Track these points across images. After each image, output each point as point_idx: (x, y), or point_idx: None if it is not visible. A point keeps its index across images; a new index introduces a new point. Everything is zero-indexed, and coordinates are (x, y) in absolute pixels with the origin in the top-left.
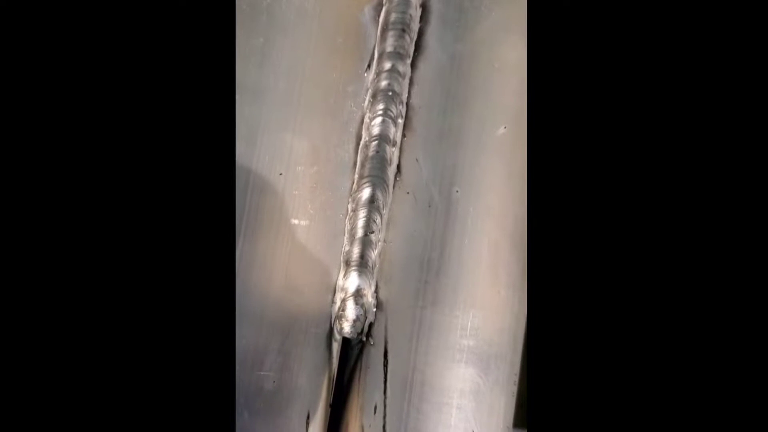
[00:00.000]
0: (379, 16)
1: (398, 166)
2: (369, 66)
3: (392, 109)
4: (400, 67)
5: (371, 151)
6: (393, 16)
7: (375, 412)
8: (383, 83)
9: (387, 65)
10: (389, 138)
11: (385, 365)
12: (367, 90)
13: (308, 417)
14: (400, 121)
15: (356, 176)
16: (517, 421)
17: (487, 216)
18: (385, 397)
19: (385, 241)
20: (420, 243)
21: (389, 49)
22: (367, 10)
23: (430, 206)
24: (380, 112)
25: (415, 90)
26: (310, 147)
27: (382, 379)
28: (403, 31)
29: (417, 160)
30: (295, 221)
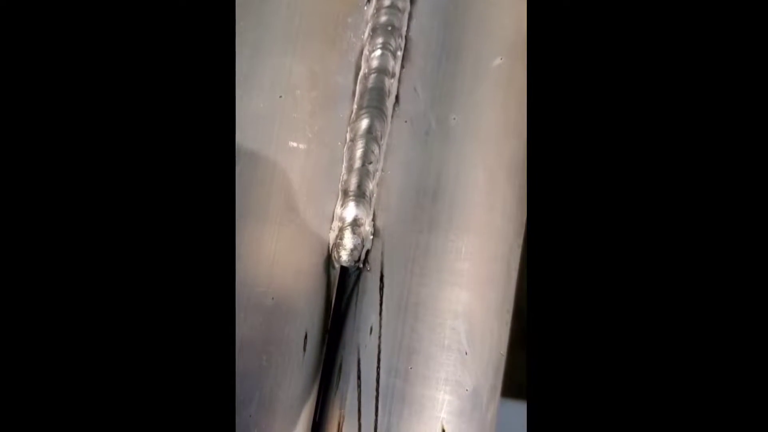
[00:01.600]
0: None
1: (396, 96)
2: (369, 0)
3: (391, 43)
4: (399, 3)
5: (370, 83)
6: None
7: (371, 332)
8: (383, 18)
9: (386, 1)
10: (388, 70)
11: (381, 289)
12: (367, 23)
13: (306, 337)
14: (399, 53)
15: (355, 106)
16: (510, 353)
17: (483, 144)
18: (380, 318)
19: (382, 170)
20: (417, 170)
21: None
22: None
23: (427, 134)
24: (380, 46)
25: (413, 23)
26: (309, 72)
27: (378, 302)
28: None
29: (415, 89)
30: (294, 144)
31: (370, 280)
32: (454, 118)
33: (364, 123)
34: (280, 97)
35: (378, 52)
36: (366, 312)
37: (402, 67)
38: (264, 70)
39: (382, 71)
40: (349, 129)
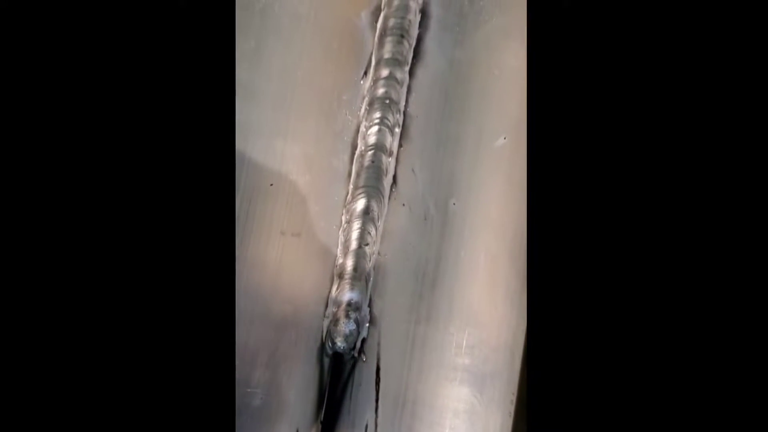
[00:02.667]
0: (376, 21)
1: (394, 177)
2: (365, 73)
3: (389, 118)
4: (398, 75)
5: (367, 161)
6: (392, 21)
7: (366, 430)
8: (380, 91)
9: (384, 72)
10: (385, 147)
11: (377, 383)
12: (363, 97)
13: None
14: (397, 130)
15: (351, 186)
16: None
17: (484, 228)
18: (376, 416)
19: (379, 253)
20: (415, 256)
21: (387, 55)
22: (364, 15)
23: (425, 219)
24: (377, 121)
25: (412, 98)
26: (303, 155)
27: (374, 397)
28: (402, 36)
29: (413, 170)
30: (287, 233)
31: (366, 372)
32: (454, 203)
33: (361, 203)
34: (271, 185)
35: (375, 128)
36: (362, 407)
37: (400, 145)
38: (254, 153)
39: (379, 148)
40: (344, 211)
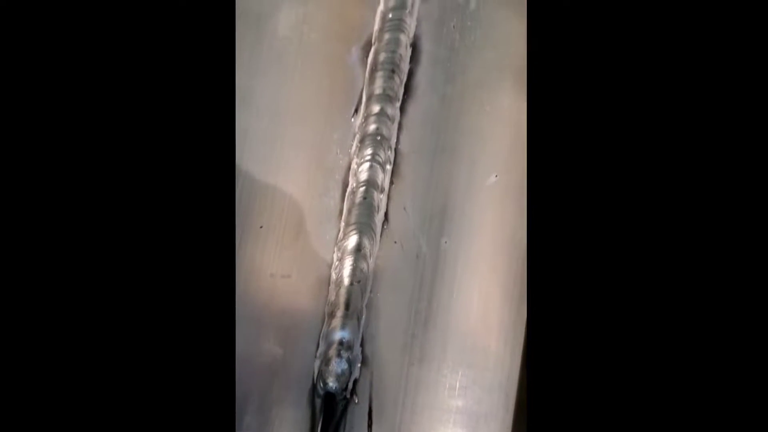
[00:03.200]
0: (367, 56)
1: (386, 214)
2: (356, 110)
3: (380, 154)
4: (389, 111)
5: (358, 198)
6: (382, 56)
7: None
8: (371, 127)
9: (375, 108)
10: (377, 184)
11: (370, 425)
12: (355, 135)
13: None
14: (389, 167)
15: (342, 224)
16: None
17: (477, 267)
18: None
19: (371, 292)
20: (407, 295)
21: (378, 91)
22: (355, 51)
23: (418, 257)
24: (368, 158)
25: (404, 135)
26: (294, 194)
27: None
28: (393, 72)
29: (405, 208)
30: (276, 275)
31: (358, 415)
32: (446, 241)
33: (353, 240)
34: (261, 227)
35: (366, 165)
36: None
37: (391, 182)
38: (244, 194)
39: (371, 185)
40: (336, 248)
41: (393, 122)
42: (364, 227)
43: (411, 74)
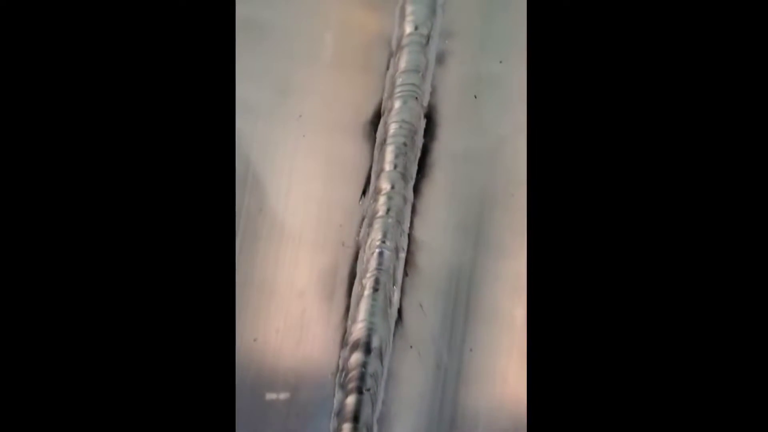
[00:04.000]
0: (375, 130)
1: (399, 311)
2: (364, 192)
3: (392, 240)
4: (402, 189)
5: (367, 289)
6: (392, 128)
7: None
8: (381, 207)
9: (386, 186)
10: (388, 273)
11: None
12: (363, 219)
13: None
14: (402, 255)
15: (348, 322)
16: None
17: (505, 380)
18: None
19: (383, 403)
20: (427, 409)
21: (388, 167)
22: (362, 125)
23: (438, 367)
24: (378, 242)
25: (419, 220)
26: (293, 296)
27: None
28: (405, 145)
29: (421, 306)
30: (273, 395)
31: None
32: (471, 350)
33: (361, 339)
34: (255, 339)
35: (376, 251)
36: None
37: (405, 274)
38: (239, 302)
39: (381, 274)
40: (341, 351)
41: (406, 203)
42: (374, 325)
43: (426, 150)
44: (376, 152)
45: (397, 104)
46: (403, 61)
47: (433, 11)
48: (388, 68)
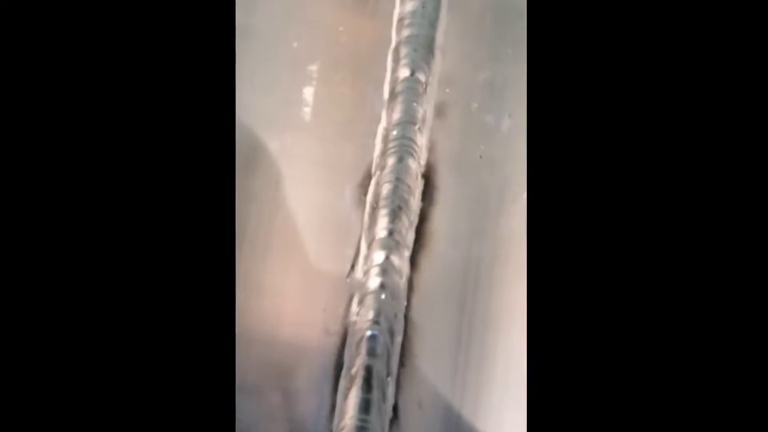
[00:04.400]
0: (365, 194)
1: (395, 408)
2: (353, 266)
3: (386, 319)
4: (396, 260)
5: (357, 381)
6: (386, 189)
7: None
8: (374, 281)
9: (379, 257)
10: (382, 359)
11: None
12: (352, 296)
13: None
14: (399, 338)
15: (335, 420)
16: None
17: None
18: None
19: None
20: None
21: (381, 233)
22: (349, 191)
23: None
24: (368, 323)
25: (416, 299)
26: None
27: None
28: (399, 208)
29: (419, 404)
30: None
31: None
32: None
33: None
34: None
35: (368, 333)
36: None
37: (402, 364)
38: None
39: (372, 362)
40: None
41: (401, 276)
42: (366, 424)
43: (424, 217)
44: (366, 218)
45: (391, 161)
46: (398, 112)
47: (431, 53)
48: (381, 120)
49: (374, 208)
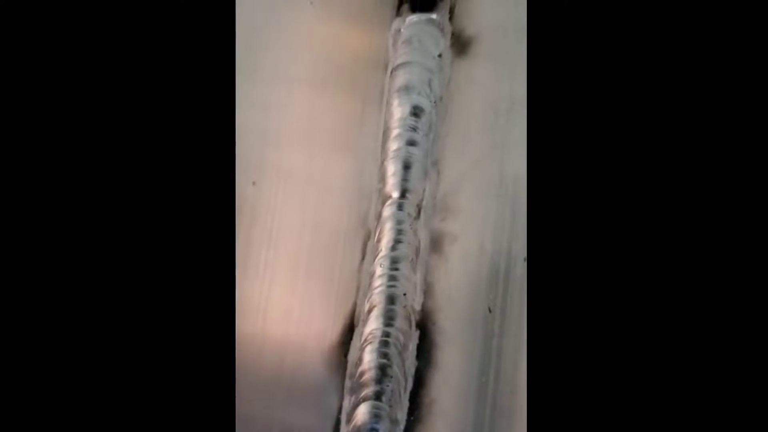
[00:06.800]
0: (346, 354)
1: None
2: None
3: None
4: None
5: None
6: (370, 348)
7: None
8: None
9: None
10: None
11: None
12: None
13: None
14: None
15: None
16: None
17: None
18: None
19: None
20: None
21: (364, 406)
22: (320, 356)
23: None
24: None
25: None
26: None
27: None
28: (385, 369)
29: None
30: None
31: None
32: None
33: None
34: None
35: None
36: None
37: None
38: None
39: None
40: None
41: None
42: None
43: (420, 381)
44: (347, 383)
45: (376, 309)
46: (385, 243)
47: (424, 172)
48: (363, 256)
49: (355, 371)
